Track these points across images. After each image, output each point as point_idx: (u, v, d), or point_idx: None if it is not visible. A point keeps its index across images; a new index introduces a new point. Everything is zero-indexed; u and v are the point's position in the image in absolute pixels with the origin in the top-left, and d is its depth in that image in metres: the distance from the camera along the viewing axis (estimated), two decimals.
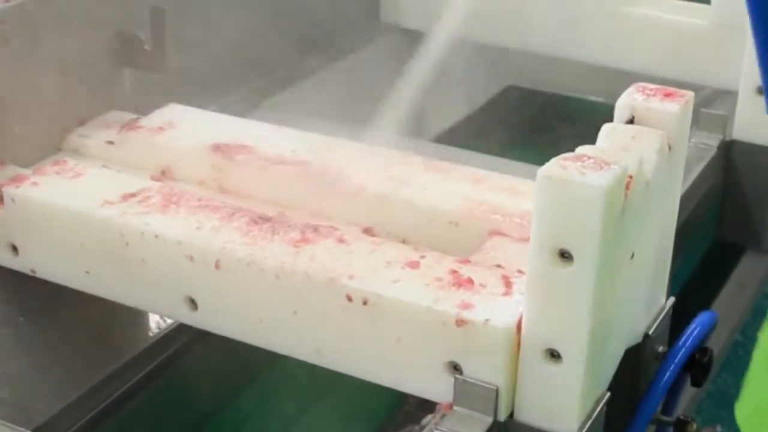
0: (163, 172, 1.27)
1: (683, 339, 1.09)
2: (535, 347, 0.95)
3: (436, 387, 1.00)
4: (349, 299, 1.02)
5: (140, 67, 1.40)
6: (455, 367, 0.99)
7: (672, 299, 1.13)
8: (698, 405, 1.50)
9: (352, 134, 1.36)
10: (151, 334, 1.33)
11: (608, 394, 1.00)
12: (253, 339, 1.11)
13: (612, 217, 0.91)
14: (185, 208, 1.15)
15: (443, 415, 0.99)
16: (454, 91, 2.02)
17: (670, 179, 1.05)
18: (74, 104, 1.35)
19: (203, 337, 1.29)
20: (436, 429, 0.97)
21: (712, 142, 1.58)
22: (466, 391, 0.98)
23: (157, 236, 1.11)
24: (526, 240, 0.93)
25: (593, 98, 1.91)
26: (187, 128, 1.32)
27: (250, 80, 1.68)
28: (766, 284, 1.67)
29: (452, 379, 0.99)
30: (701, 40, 1.68)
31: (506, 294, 1.00)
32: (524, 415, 0.98)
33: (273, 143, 1.27)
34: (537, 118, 1.99)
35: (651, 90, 1.04)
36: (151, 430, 1.35)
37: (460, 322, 0.97)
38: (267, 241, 1.09)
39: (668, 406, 1.12)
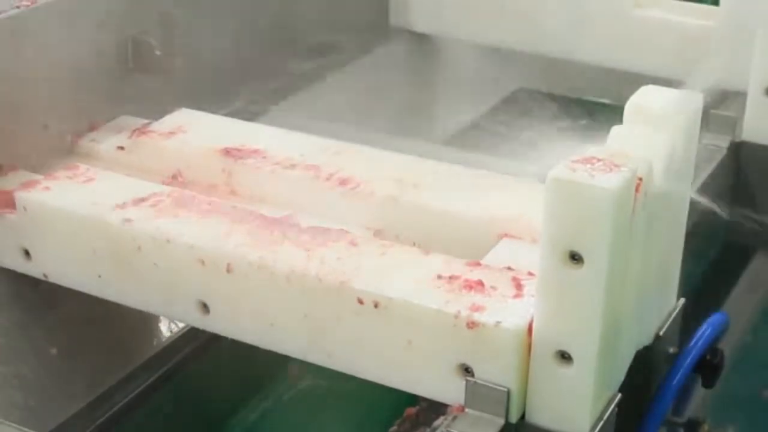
0: (174, 177, 1.28)
1: (694, 340, 1.09)
2: (546, 349, 0.95)
3: (447, 389, 1.01)
4: (360, 302, 1.02)
5: (151, 72, 1.41)
6: (466, 370, 0.99)
7: (682, 300, 1.13)
8: (708, 407, 1.50)
9: (362, 138, 1.36)
10: (162, 338, 1.34)
11: (619, 395, 1.00)
12: (264, 342, 1.11)
13: (622, 220, 0.91)
14: (196, 212, 1.15)
15: (455, 417, 0.99)
16: (465, 94, 2.02)
17: (680, 181, 1.05)
18: (85, 109, 1.36)
19: (214, 341, 1.30)
20: (448, 431, 0.98)
21: (721, 143, 1.58)
22: (478, 393, 0.98)
23: (168, 240, 1.11)
24: (537, 242, 0.94)
25: (603, 100, 1.91)
26: (197, 133, 1.32)
27: (259, 84, 1.68)
28: None
29: (463, 382, 0.99)
30: (710, 41, 1.68)
31: (517, 296, 1.01)
32: (535, 417, 0.98)
33: (283, 147, 1.28)
34: (546, 121, 1.99)
35: (660, 92, 1.04)
36: None
37: (471, 325, 0.98)
38: (278, 244, 1.09)
39: (679, 407, 1.12)
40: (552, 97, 1.99)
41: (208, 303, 1.11)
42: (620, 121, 1.03)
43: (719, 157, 1.56)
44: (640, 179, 0.94)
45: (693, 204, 1.12)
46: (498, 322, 0.97)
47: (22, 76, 1.27)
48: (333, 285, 1.04)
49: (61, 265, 1.19)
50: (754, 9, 1.56)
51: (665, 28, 1.73)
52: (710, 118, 1.58)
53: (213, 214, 1.14)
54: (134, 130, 1.33)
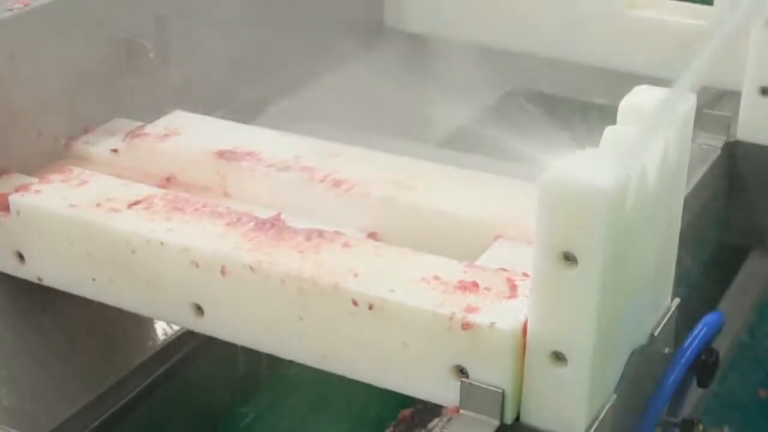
0: (168, 179, 1.28)
1: (689, 340, 1.09)
2: (540, 350, 0.95)
3: (442, 390, 1.01)
4: (355, 304, 1.02)
5: (145, 75, 1.40)
6: (461, 371, 0.99)
7: (677, 300, 1.13)
8: (705, 406, 1.50)
9: (357, 139, 1.36)
10: (157, 341, 1.34)
11: (615, 396, 1.00)
12: (259, 345, 1.11)
13: (616, 219, 0.91)
14: (190, 214, 1.15)
15: (450, 419, 0.99)
16: (458, 95, 2.02)
17: (674, 181, 1.05)
18: (79, 112, 1.36)
19: (209, 343, 1.30)
20: None
21: (715, 143, 1.58)
22: (473, 395, 0.98)
23: (162, 243, 1.11)
24: (531, 243, 0.94)
25: (597, 100, 1.91)
26: (191, 135, 1.32)
27: (254, 86, 1.68)
28: None
29: (458, 383, 0.99)
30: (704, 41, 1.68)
31: (511, 297, 1.01)
32: (531, 418, 0.98)
33: (277, 149, 1.28)
34: (541, 121, 1.99)
35: (653, 92, 1.04)
36: None
37: (466, 326, 0.98)
38: (272, 246, 1.09)
39: (674, 407, 1.12)
40: (546, 98, 1.99)
41: (203, 305, 1.11)
42: (614, 121, 1.03)
43: (713, 156, 1.56)
44: (634, 179, 0.94)
45: (687, 203, 1.12)
46: (492, 323, 0.97)
47: (15, 79, 1.27)
48: (327, 287, 1.04)
49: (56, 269, 1.19)
50: (746, 8, 1.56)
51: (659, 27, 1.73)
52: (704, 117, 1.58)
53: (207, 216, 1.14)
54: (128, 133, 1.33)
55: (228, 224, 1.13)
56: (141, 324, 1.32)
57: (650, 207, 0.99)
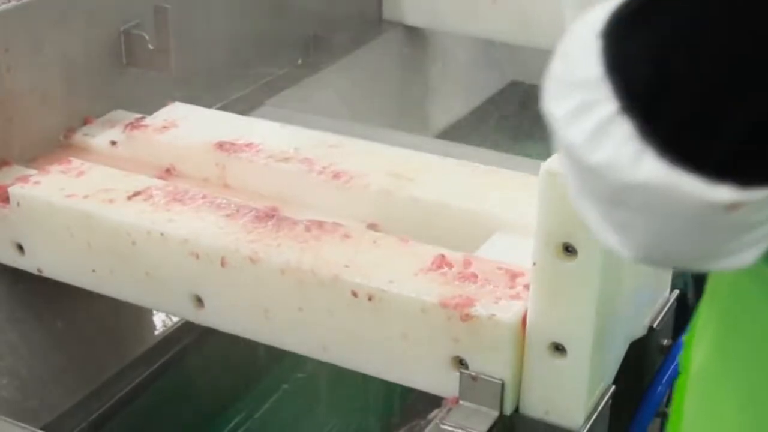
0: (168, 171, 1.28)
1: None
2: (540, 341, 0.95)
3: (442, 382, 1.01)
4: (355, 295, 1.02)
5: (144, 66, 1.40)
6: (461, 362, 0.99)
7: (676, 292, 1.13)
8: None
9: (356, 131, 1.36)
10: (157, 332, 1.34)
11: (613, 387, 1.01)
12: (259, 336, 1.11)
13: None
14: (190, 206, 1.15)
15: (449, 410, 0.99)
16: (458, 87, 2.02)
17: None
18: (78, 104, 1.36)
19: (209, 335, 1.30)
20: (443, 423, 0.98)
21: None
22: (472, 386, 0.98)
23: (162, 234, 1.11)
24: (530, 235, 0.94)
25: None
26: (191, 126, 1.32)
27: (253, 78, 1.68)
28: None
29: (458, 374, 0.99)
30: None
31: (511, 288, 1.01)
32: (530, 409, 0.98)
33: (277, 141, 1.28)
34: (541, 114, 1.99)
35: None
36: (158, 428, 1.35)
37: (466, 317, 0.98)
38: (272, 237, 1.09)
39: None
40: None
41: (203, 297, 1.11)
42: None
43: None
44: None
45: None
46: (492, 315, 0.97)
47: (14, 72, 1.27)
48: (327, 278, 1.04)
49: (55, 260, 1.19)
50: None
51: None
52: None
53: (207, 207, 1.14)
54: (127, 125, 1.33)
55: (228, 215, 1.13)
56: (141, 315, 1.33)
57: None
